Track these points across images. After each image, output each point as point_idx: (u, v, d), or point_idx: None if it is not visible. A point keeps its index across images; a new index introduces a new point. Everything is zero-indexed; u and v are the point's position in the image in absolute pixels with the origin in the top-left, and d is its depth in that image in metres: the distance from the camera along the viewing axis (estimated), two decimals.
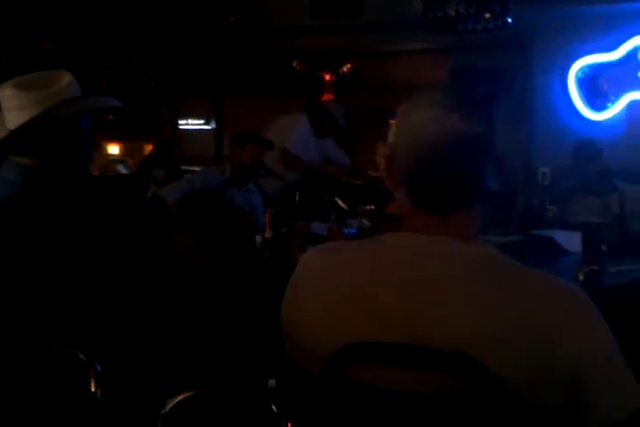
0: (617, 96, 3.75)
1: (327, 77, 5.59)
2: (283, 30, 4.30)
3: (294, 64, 5.37)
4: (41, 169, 1.45)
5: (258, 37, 4.42)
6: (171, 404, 0.81)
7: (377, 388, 0.86)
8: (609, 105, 3.77)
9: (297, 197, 2.67)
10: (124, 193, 1.91)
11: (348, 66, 5.49)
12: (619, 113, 3.77)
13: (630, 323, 2.09)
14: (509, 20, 2.56)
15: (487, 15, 2.49)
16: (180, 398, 0.83)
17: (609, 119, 3.79)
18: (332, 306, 0.91)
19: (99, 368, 0.92)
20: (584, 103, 3.84)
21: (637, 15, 3.65)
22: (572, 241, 2.23)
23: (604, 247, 2.16)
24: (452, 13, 2.47)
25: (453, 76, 4.33)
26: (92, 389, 0.92)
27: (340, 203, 2.23)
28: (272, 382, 1.45)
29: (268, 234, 2.37)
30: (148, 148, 5.78)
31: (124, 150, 6.19)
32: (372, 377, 0.86)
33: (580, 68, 3.83)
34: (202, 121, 6.02)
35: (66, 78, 1.46)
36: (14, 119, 1.41)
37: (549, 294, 0.87)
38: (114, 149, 6.05)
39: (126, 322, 1.25)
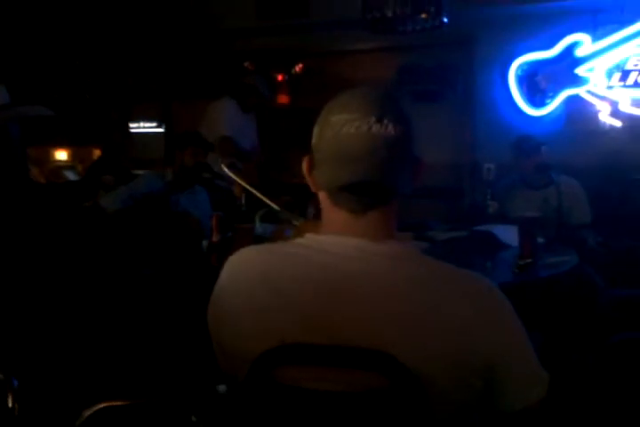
0: (555, 92, 3.88)
1: (280, 78, 5.58)
2: (229, 31, 4.28)
3: (246, 65, 5.33)
4: None
5: (204, 39, 4.39)
6: (87, 414, 0.80)
7: (304, 388, 0.87)
8: (548, 101, 3.89)
9: (243, 199, 2.65)
10: (57, 203, 1.88)
11: (300, 66, 5.49)
12: (557, 108, 3.90)
13: (561, 311, 2.17)
14: (445, 20, 2.59)
15: (423, 15, 2.53)
16: (97, 408, 0.82)
17: (548, 115, 3.91)
18: (254, 309, 0.92)
19: (15, 383, 0.90)
20: (524, 100, 3.96)
21: (573, 13, 3.78)
22: (510, 235, 2.29)
23: (539, 240, 2.23)
24: (390, 14, 2.49)
25: (400, 74, 4.38)
26: (10, 404, 0.90)
27: (270, 202, 2.23)
28: (222, 388, 1.44)
29: (215, 238, 2.34)
30: (98, 153, 5.65)
31: (72, 156, 6.03)
32: (299, 378, 0.88)
33: (520, 66, 3.94)
34: (154, 124, 5.92)
35: None
36: None
37: (461, 289, 0.90)
38: (62, 154, 5.89)
39: (48, 334, 1.23)
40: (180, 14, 4.25)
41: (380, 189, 0.92)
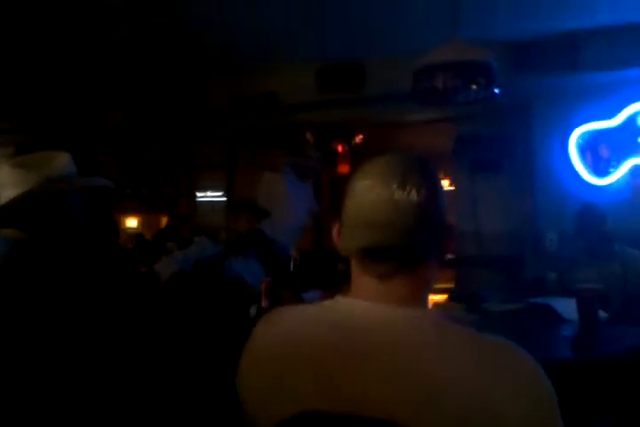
0: (619, 161, 3.77)
1: (340, 148, 5.74)
2: (291, 106, 4.49)
3: (307, 136, 5.54)
4: (27, 242, 1.51)
5: (269, 113, 4.62)
6: None
7: None
8: (611, 170, 3.78)
9: (291, 265, 2.67)
10: (112, 268, 1.95)
11: (360, 137, 5.65)
12: (622, 178, 3.77)
13: (633, 393, 1.98)
14: (497, 91, 2.62)
15: (473, 87, 2.56)
16: None
17: (612, 184, 3.79)
18: (277, 376, 0.90)
19: None
20: (586, 169, 3.86)
21: (634, 82, 3.73)
22: (570, 308, 2.16)
23: (602, 314, 2.10)
24: (440, 86, 2.54)
25: (458, 143, 4.41)
26: None
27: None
28: None
29: (264, 303, 2.35)
30: (165, 220, 5.90)
31: (141, 223, 6.32)
32: None
33: (581, 135, 3.89)
34: (219, 193, 6.17)
35: (61, 159, 1.57)
36: (7, 196, 1.50)
37: (492, 363, 0.84)
38: (132, 222, 6.19)
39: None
40: (243, 88, 4.51)
41: (404, 255, 0.90)
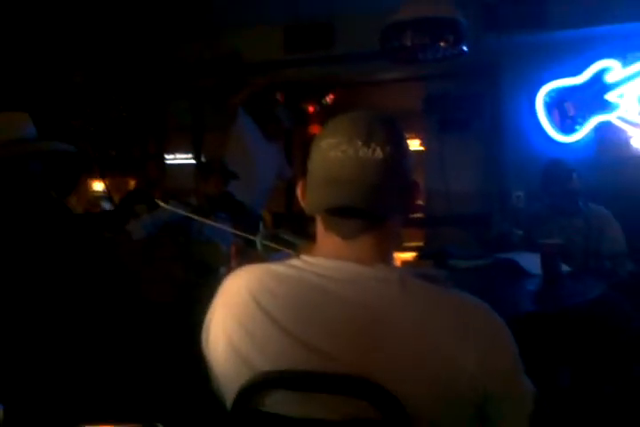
0: (585, 119, 3.81)
1: (311, 109, 5.66)
2: (257, 64, 4.38)
3: (277, 96, 5.44)
4: None
5: (233, 72, 4.51)
6: None
7: (289, 417, 0.85)
8: (577, 128, 3.83)
9: (260, 226, 2.66)
10: (87, 231, 1.93)
11: (331, 97, 5.57)
12: (587, 135, 3.83)
13: (590, 342, 2.07)
14: (465, 49, 2.60)
15: (442, 44, 2.54)
16: None
17: (578, 142, 3.84)
18: (243, 330, 0.91)
19: (2, 407, 0.90)
20: (553, 126, 3.90)
21: (601, 39, 3.74)
22: (534, 263, 2.22)
23: (564, 268, 2.16)
24: (408, 43, 2.51)
25: (427, 103, 4.39)
26: None
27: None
28: None
29: (233, 264, 2.35)
30: (134, 183, 5.80)
31: (109, 187, 6.20)
32: (284, 405, 0.86)
33: (548, 93, 3.90)
34: (188, 155, 6.07)
35: (20, 120, 1.51)
36: None
37: (452, 314, 0.87)
38: (99, 185, 6.08)
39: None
40: (207, 45, 4.38)
41: (368, 213, 0.90)
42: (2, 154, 1.48)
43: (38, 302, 1.41)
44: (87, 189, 5.95)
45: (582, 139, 3.84)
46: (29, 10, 3.68)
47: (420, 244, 4.51)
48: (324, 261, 0.93)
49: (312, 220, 0.99)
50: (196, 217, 2.19)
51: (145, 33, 4.32)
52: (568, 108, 3.82)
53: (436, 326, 0.84)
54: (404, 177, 0.92)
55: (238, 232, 2.10)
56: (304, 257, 0.96)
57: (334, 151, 0.90)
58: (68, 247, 1.63)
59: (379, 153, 0.88)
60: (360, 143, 0.89)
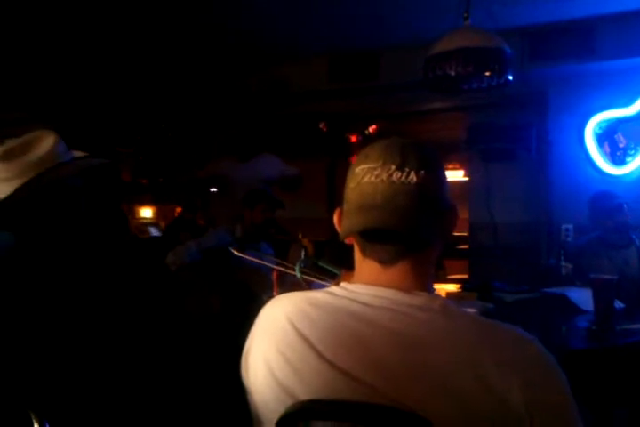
0: (636, 150, 3.70)
1: (353, 139, 5.70)
2: (301, 94, 4.46)
3: (321, 126, 5.50)
4: (30, 231, 1.46)
5: (278, 102, 4.60)
6: None
7: None
8: (628, 159, 3.72)
9: (302, 254, 2.66)
10: (129, 257, 1.95)
11: (374, 127, 5.60)
12: (638, 167, 3.71)
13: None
14: (510, 78, 2.57)
15: (487, 73, 2.52)
16: None
17: (629, 173, 3.73)
18: (281, 358, 0.90)
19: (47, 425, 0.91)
20: (603, 158, 3.80)
21: None
22: (585, 299, 2.14)
23: (618, 305, 2.07)
24: (452, 73, 2.50)
25: (471, 133, 4.36)
26: None
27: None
28: None
29: (275, 293, 2.36)
30: (179, 210, 5.94)
31: (156, 213, 6.37)
32: None
33: (598, 123, 3.82)
34: None
35: (48, 142, 1.44)
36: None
37: (500, 346, 0.84)
38: (147, 212, 6.24)
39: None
40: (254, 77, 4.49)
41: (405, 238, 0.90)
42: (42, 180, 1.43)
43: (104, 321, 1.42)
44: (135, 215, 6.12)
45: (634, 171, 3.72)
46: (92, 37, 3.84)
47: (464, 276, 4.43)
48: (363, 287, 0.92)
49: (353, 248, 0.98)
50: (266, 263, 2.21)
51: (194, 64, 4.47)
52: (619, 140, 3.73)
53: (481, 358, 0.81)
54: (439, 201, 0.91)
55: (279, 261, 2.10)
56: (343, 284, 0.96)
57: (368, 177, 0.90)
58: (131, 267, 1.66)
59: (412, 177, 0.88)
60: (394, 168, 0.89)
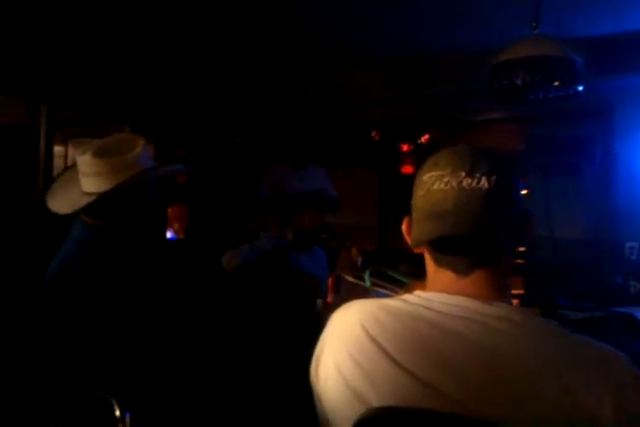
0: None
1: (405, 148, 5.65)
2: (356, 102, 4.45)
3: (372, 134, 5.47)
4: (106, 229, 1.55)
5: (333, 109, 4.60)
6: None
7: None
8: None
9: (359, 262, 2.64)
10: (184, 256, 2.00)
11: (427, 137, 5.54)
12: None
13: None
14: (580, 89, 2.49)
15: (556, 84, 2.44)
16: None
17: None
18: (355, 365, 0.88)
19: (128, 414, 0.92)
20: None
21: None
22: None
23: None
24: (519, 83, 2.44)
25: (531, 145, 4.25)
26: None
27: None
28: None
29: (330, 298, 2.34)
30: None
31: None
32: None
33: None
34: None
35: (139, 146, 1.57)
36: (91, 184, 1.53)
37: (594, 368, 0.79)
38: None
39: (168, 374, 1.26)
40: (311, 84, 4.51)
41: (480, 246, 0.87)
42: (133, 182, 1.54)
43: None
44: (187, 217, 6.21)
45: None
46: (151, 41, 3.94)
47: (520, 291, 4.30)
48: (439, 296, 0.89)
49: (405, 258, 0.97)
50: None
51: (252, 72, 4.52)
52: None
53: (566, 372, 0.77)
54: (513, 207, 0.88)
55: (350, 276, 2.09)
56: (417, 293, 0.93)
57: (437, 184, 0.88)
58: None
59: (484, 183, 0.85)
60: (464, 174, 0.86)
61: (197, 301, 1.66)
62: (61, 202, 1.57)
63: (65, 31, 3.59)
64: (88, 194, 1.52)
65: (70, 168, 1.67)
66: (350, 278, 2.03)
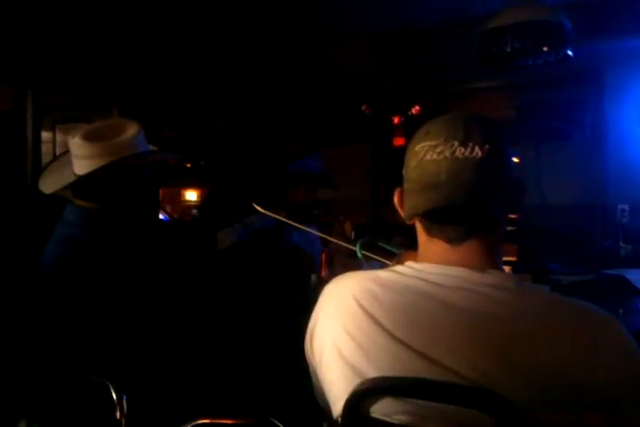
0: None
1: (396, 120, 5.60)
2: (346, 76, 4.40)
3: (363, 108, 5.42)
4: (100, 213, 1.55)
5: (323, 85, 4.55)
6: None
7: (398, 424, 0.82)
8: None
9: (352, 235, 2.64)
10: (180, 237, 2.00)
11: (417, 108, 5.49)
12: None
13: None
14: (570, 54, 2.47)
15: (545, 49, 2.42)
16: (194, 423, 0.83)
17: None
18: (352, 338, 0.89)
19: (125, 396, 0.94)
20: None
21: None
22: None
23: None
24: (508, 49, 2.42)
25: (521, 112, 4.23)
26: (117, 416, 0.94)
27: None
28: None
29: (323, 273, 2.35)
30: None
31: (201, 197, 6.45)
32: (394, 413, 0.83)
33: None
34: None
35: (132, 130, 1.57)
36: (82, 166, 1.53)
37: (579, 324, 0.81)
38: (191, 195, 6.33)
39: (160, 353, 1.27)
40: (296, 59, 4.45)
41: (474, 215, 0.87)
42: (123, 165, 1.53)
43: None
44: (181, 198, 6.22)
45: None
46: (134, 22, 3.88)
47: (512, 258, 4.33)
48: (431, 266, 0.89)
49: (398, 231, 0.97)
50: (292, 223, 2.20)
51: (238, 47, 4.46)
52: None
53: (560, 336, 0.79)
54: (506, 176, 0.88)
55: (337, 241, 2.09)
56: (409, 263, 0.93)
57: (430, 154, 0.87)
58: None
59: (477, 152, 0.85)
60: (457, 143, 0.86)
61: (193, 281, 1.66)
62: (49, 182, 1.58)
63: (48, 14, 3.52)
64: (78, 176, 1.52)
65: (66, 153, 1.66)
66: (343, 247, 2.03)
